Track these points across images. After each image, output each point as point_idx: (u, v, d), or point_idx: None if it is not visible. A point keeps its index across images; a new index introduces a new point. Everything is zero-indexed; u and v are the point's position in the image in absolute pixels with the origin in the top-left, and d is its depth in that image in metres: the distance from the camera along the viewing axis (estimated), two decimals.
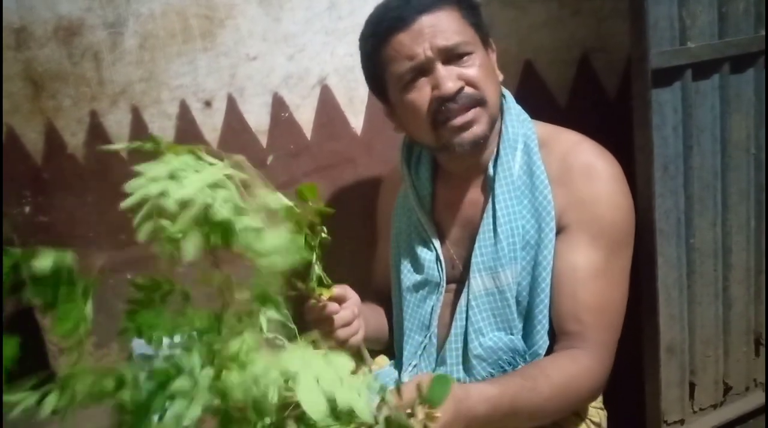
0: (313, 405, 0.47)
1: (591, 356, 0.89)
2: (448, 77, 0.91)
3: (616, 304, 0.94)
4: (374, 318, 1.12)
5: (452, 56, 0.92)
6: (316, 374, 0.49)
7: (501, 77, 1.01)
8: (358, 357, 0.80)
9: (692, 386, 1.26)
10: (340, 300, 0.91)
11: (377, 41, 0.96)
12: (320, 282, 0.82)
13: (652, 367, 1.19)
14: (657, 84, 1.07)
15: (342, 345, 0.89)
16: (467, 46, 0.93)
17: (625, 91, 1.29)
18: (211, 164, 0.54)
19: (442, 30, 0.91)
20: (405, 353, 1.05)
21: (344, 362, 0.52)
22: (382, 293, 1.17)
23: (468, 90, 0.92)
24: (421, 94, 0.93)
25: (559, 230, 0.94)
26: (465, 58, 0.93)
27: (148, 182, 0.50)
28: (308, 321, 0.90)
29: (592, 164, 0.95)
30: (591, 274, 0.91)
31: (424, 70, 0.93)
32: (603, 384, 0.93)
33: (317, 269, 0.77)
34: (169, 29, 1.31)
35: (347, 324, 0.90)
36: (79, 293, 0.52)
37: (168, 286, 0.59)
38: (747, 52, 1.14)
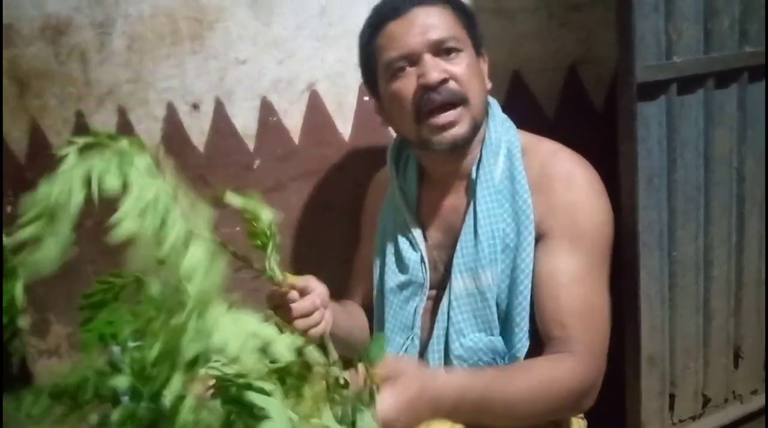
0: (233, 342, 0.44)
1: (576, 359, 0.88)
2: (434, 67, 0.93)
3: (600, 309, 0.94)
4: (348, 319, 1.09)
5: (440, 50, 0.95)
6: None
7: (489, 86, 1.02)
8: (322, 350, 0.78)
9: (672, 397, 1.26)
10: (302, 292, 0.89)
11: (372, 30, 1.00)
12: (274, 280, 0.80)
13: (632, 377, 1.20)
14: (642, 97, 1.08)
15: (302, 335, 0.87)
16: (456, 42, 0.96)
17: (613, 102, 1.30)
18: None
19: (434, 23, 0.95)
20: None
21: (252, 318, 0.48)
22: (360, 292, 1.17)
23: (452, 84, 0.94)
24: (407, 83, 0.95)
25: (539, 237, 0.94)
26: (453, 54, 0.95)
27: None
28: (269, 308, 0.89)
29: (571, 172, 0.96)
30: (572, 279, 0.92)
31: (412, 60, 0.95)
32: (589, 389, 0.90)
33: (273, 260, 0.75)
34: (157, 31, 1.30)
35: (307, 315, 0.88)
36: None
37: (120, 279, 0.55)
38: (731, 68, 1.15)
